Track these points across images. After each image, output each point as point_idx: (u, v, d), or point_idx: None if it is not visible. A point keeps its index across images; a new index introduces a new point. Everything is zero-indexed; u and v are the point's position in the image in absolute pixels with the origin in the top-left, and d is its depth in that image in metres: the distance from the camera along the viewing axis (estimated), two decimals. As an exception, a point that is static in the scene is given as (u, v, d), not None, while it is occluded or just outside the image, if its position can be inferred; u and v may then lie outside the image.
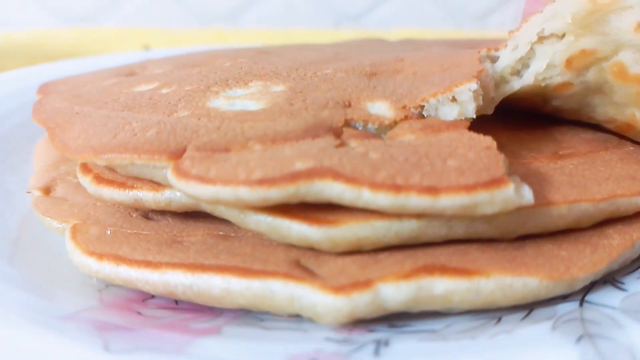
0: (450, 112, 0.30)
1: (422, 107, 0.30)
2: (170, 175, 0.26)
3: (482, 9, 1.09)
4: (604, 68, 0.31)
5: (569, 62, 0.31)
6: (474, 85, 0.31)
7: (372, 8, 1.07)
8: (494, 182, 0.24)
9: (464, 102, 0.30)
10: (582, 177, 0.29)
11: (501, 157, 0.26)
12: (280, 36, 0.90)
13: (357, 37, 0.58)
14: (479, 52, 0.35)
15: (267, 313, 0.26)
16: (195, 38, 0.93)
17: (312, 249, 0.26)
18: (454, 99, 0.31)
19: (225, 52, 0.46)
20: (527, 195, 0.25)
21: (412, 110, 0.30)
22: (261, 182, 0.24)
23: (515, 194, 0.24)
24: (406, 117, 0.30)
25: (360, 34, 0.87)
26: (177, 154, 0.27)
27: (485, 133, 0.32)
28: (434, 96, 0.31)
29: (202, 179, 0.25)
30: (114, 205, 0.31)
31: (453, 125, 0.29)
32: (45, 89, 0.39)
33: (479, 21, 1.09)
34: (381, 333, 0.25)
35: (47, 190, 0.34)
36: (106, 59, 0.60)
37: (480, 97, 0.31)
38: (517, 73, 0.34)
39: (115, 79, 0.39)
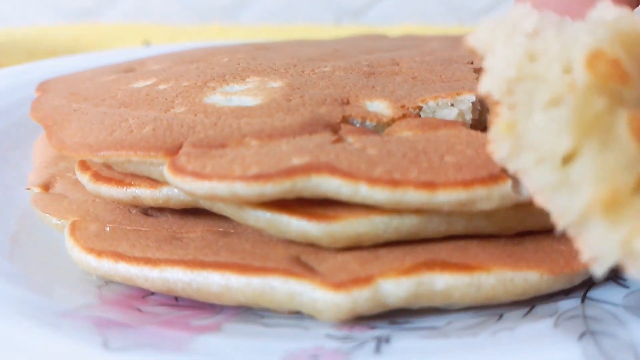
0: (448, 115, 0.30)
1: (421, 108, 0.30)
2: (166, 172, 0.26)
3: (483, 5, 1.08)
4: (619, 113, 0.20)
5: (592, 60, 0.21)
6: (473, 98, 0.31)
7: (373, 4, 1.07)
8: (491, 178, 0.24)
9: (463, 110, 0.31)
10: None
11: None
12: (281, 32, 0.90)
13: (358, 33, 0.58)
14: (472, 67, 0.35)
15: (267, 310, 0.26)
16: (195, 34, 0.92)
17: (312, 246, 0.26)
18: (452, 105, 0.31)
19: (223, 47, 0.46)
20: (525, 191, 0.25)
21: (411, 110, 0.30)
22: (257, 177, 0.24)
23: (512, 190, 0.24)
24: (404, 116, 0.30)
25: (360, 29, 0.87)
26: (173, 151, 0.27)
27: (483, 129, 0.32)
28: (435, 99, 0.31)
29: (197, 175, 0.25)
30: (113, 202, 0.31)
31: (451, 123, 0.29)
32: (44, 87, 0.39)
33: (480, 17, 1.09)
34: (382, 330, 0.25)
35: (46, 187, 0.34)
36: (106, 54, 0.60)
37: (477, 112, 0.32)
38: None
39: (114, 76, 0.39)
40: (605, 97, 0.20)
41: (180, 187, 0.26)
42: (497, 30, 0.23)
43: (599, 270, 0.19)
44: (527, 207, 0.26)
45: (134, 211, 0.30)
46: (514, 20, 0.23)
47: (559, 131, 0.20)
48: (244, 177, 0.24)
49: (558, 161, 0.20)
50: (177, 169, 0.25)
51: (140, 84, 0.36)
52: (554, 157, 0.20)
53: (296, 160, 0.25)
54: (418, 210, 0.25)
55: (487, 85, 0.22)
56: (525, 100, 0.21)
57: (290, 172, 0.24)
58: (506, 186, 0.24)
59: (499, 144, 0.22)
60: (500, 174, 0.24)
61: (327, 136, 0.27)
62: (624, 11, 0.22)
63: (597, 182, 0.19)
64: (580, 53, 0.21)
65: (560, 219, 0.20)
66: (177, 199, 0.28)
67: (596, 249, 0.19)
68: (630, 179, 0.19)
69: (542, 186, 0.21)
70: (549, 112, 0.21)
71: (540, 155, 0.21)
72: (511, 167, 0.22)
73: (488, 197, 0.24)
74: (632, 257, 0.19)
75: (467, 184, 0.24)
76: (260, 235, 0.28)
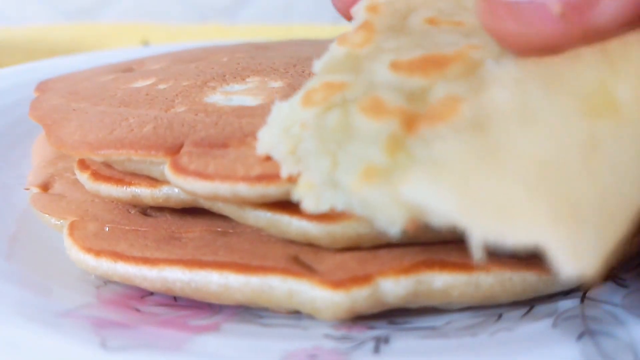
0: None
1: None
2: (167, 171, 0.26)
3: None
4: (350, 109, 0.22)
5: (307, 98, 0.23)
6: None
7: (372, 3, 1.06)
8: None
9: None
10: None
11: None
12: (280, 32, 0.90)
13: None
14: None
15: (266, 309, 0.26)
16: (194, 33, 0.92)
17: (311, 245, 0.26)
18: None
19: (223, 47, 0.46)
20: None
21: None
22: (260, 178, 0.24)
23: None
24: None
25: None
26: (174, 150, 0.27)
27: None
28: None
29: (200, 174, 0.25)
30: (112, 201, 0.31)
31: None
32: (43, 87, 0.39)
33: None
34: (381, 330, 0.25)
35: (45, 187, 0.34)
36: (105, 54, 0.60)
37: None
38: None
39: (113, 75, 0.39)
40: (334, 108, 0.22)
41: (182, 187, 0.26)
42: (267, 135, 0.26)
43: (394, 231, 0.20)
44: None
45: (132, 211, 0.30)
46: (270, 122, 0.26)
47: (317, 158, 0.22)
48: (247, 178, 0.25)
49: (330, 178, 0.22)
50: (179, 169, 0.26)
51: (140, 83, 0.36)
52: (326, 176, 0.22)
53: None
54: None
55: (284, 172, 0.24)
56: (305, 162, 0.24)
57: None
58: None
59: (307, 203, 0.23)
60: None
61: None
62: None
63: (353, 168, 0.21)
64: (298, 101, 0.24)
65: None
66: (176, 198, 0.28)
67: (383, 217, 0.20)
68: (378, 150, 0.20)
69: (345, 205, 0.22)
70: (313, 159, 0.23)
71: (324, 183, 0.23)
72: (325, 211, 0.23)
73: None
74: (408, 209, 0.19)
75: None
76: (259, 235, 0.28)
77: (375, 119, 0.21)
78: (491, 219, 0.17)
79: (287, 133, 0.24)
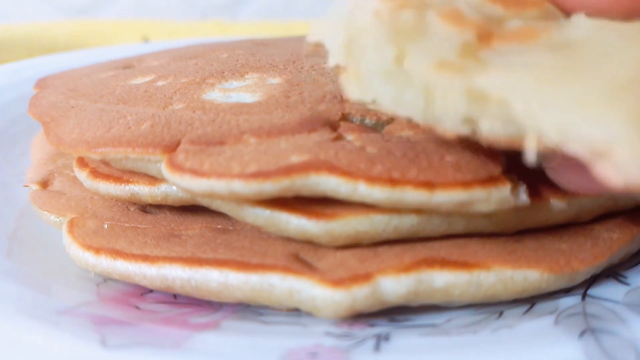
0: None
1: None
2: (164, 169, 0.26)
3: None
4: (427, 12, 0.23)
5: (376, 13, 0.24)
6: None
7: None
8: (491, 180, 0.24)
9: None
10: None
11: (499, 155, 0.25)
12: (280, 28, 0.90)
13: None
14: None
15: (266, 307, 0.26)
16: (194, 30, 0.92)
17: (311, 243, 0.26)
18: None
19: (222, 44, 0.46)
20: (522, 196, 0.25)
21: None
22: (255, 175, 0.24)
23: (511, 194, 0.24)
24: None
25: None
26: (171, 148, 0.27)
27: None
28: None
29: (195, 172, 0.25)
30: (111, 199, 0.31)
31: None
32: (42, 83, 0.39)
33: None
34: (382, 328, 0.25)
35: (44, 184, 0.34)
36: (105, 51, 0.60)
37: None
38: None
39: (112, 72, 0.39)
40: (411, 7, 0.23)
41: (178, 185, 0.26)
42: (322, 23, 0.27)
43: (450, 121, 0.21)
44: (527, 207, 0.26)
45: (132, 208, 0.30)
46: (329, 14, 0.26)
47: (382, 47, 0.22)
48: (243, 175, 0.24)
49: (392, 67, 0.22)
50: (175, 167, 0.25)
51: (139, 80, 0.36)
52: (387, 65, 0.22)
53: (295, 158, 0.25)
54: (417, 210, 0.25)
55: (333, 59, 0.25)
56: (360, 52, 0.24)
57: (289, 170, 0.24)
58: (505, 189, 0.24)
59: (350, 88, 0.24)
60: (499, 176, 0.24)
61: (326, 134, 0.27)
62: None
63: (424, 60, 0.21)
64: None
65: (419, 115, 0.22)
66: (175, 196, 0.28)
67: (443, 105, 0.21)
68: (451, 51, 0.21)
69: (393, 96, 0.23)
70: (375, 47, 0.23)
71: (379, 73, 0.23)
72: (368, 101, 0.24)
73: (487, 199, 0.24)
74: (473, 101, 0.20)
75: (466, 184, 0.24)
76: (259, 232, 0.27)
77: (453, 25, 0.22)
78: (563, 112, 0.18)
79: (348, 25, 0.25)
